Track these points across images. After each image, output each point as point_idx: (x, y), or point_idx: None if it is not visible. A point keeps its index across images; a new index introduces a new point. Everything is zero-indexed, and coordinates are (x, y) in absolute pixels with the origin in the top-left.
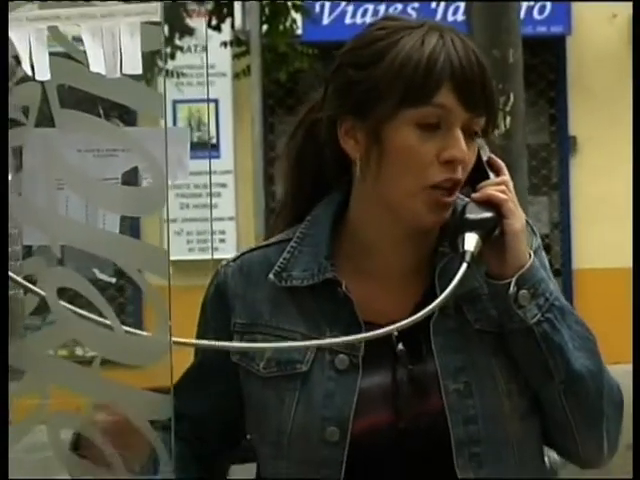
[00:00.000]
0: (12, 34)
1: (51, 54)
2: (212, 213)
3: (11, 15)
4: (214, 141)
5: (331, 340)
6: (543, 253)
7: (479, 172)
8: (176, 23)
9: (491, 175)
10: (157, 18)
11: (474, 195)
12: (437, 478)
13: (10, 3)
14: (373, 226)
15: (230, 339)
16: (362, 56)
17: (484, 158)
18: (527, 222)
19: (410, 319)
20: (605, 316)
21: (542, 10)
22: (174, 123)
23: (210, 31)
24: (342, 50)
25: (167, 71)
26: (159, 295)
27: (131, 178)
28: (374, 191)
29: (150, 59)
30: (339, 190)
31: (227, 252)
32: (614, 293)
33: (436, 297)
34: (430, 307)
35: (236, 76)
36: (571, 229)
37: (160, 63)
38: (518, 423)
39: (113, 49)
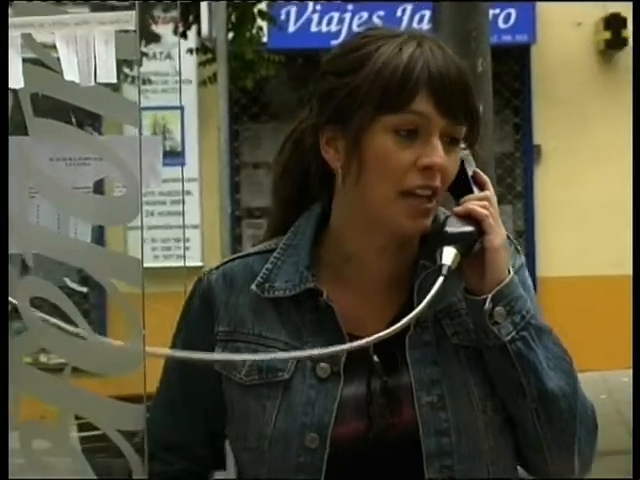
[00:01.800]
0: None
1: (25, 62)
2: (184, 220)
3: None
4: (179, 149)
5: (311, 351)
6: (526, 272)
7: (463, 186)
8: (142, 30)
9: (475, 190)
10: (132, 26)
11: (455, 209)
12: None
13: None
14: (353, 235)
15: (212, 346)
16: (343, 64)
17: (469, 172)
18: (511, 240)
19: (385, 332)
20: (570, 324)
21: (507, 19)
22: (139, 130)
23: (175, 38)
24: (325, 58)
25: (133, 78)
26: (131, 304)
27: (97, 187)
28: (354, 199)
29: (117, 66)
30: (321, 202)
31: (192, 260)
32: (579, 300)
33: (413, 310)
34: (404, 320)
35: (202, 83)
36: (535, 237)
37: (127, 70)
38: (492, 438)
39: (87, 57)
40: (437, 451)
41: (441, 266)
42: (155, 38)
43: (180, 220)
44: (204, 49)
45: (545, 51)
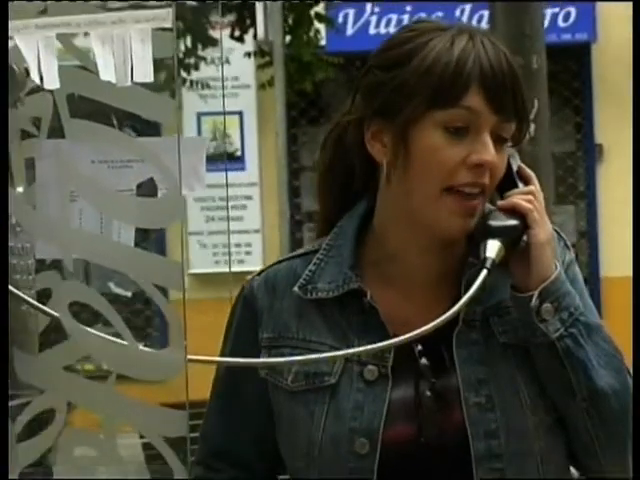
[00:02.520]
0: (20, 42)
1: (60, 63)
2: (229, 225)
3: (19, 23)
4: (239, 153)
5: (355, 350)
6: (577, 268)
7: (508, 181)
8: (199, 34)
9: (520, 185)
10: (168, 24)
11: (500, 202)
12: None
13: (12, 3)
14: (398, 233)
15: (259, 354)
16: (390, 58)
17: (514, 167)
18: (560, 236)
19: (429, 325)
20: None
21: (567, 17)
22: (198, 135)
23: (233, 42)
24: (372, 53)
25: (191, 82)
26: (175, 310)
27: (149, 189)
28: (398, 196)
29: (173, 69)
30: (364, 199)
31: (253, 265)
32: None
33: (462, 308)
34: (447, 314)
35: (261, 87)
36: (599, 237)
37: (184, 74)
38: (543, 438)
39: (124, 57)
40: (486, 453)
41: (485, 259)
42: (212, 42)
43: (241, 225)
44: (261, 52)
45: (605, 49)
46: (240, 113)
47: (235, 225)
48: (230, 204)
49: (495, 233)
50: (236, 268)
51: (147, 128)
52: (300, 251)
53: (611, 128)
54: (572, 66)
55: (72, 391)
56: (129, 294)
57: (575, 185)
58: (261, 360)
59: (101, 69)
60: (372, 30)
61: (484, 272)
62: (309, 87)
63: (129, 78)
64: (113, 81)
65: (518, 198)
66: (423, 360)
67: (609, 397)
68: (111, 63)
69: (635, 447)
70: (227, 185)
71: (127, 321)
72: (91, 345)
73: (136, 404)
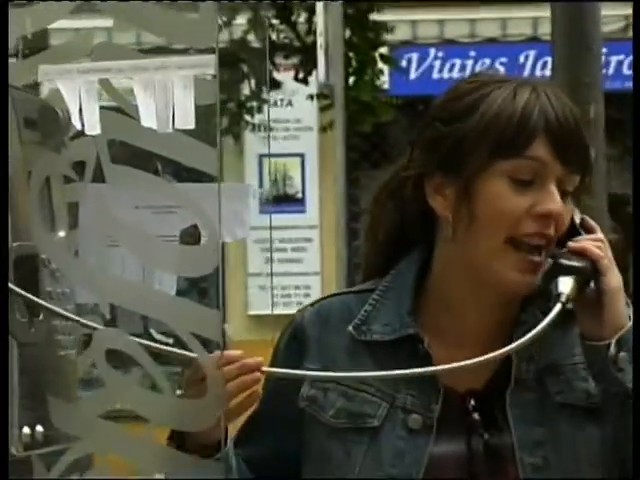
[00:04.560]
0: (62, 86)
1: (102, 107)
2: (272, 267)
3: (61, 67)
4: (300, 195)
5: (395, 372)
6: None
7: (572, 233)
8: (262, 76)
9: (584, 235)
10: (211, 71)
11: (570, 244)
12: None
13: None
14: (456, 287)
15: (298, 385)
16: (451, 110)
17: (576, 220)
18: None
19: (469, 362)
20: None
21: (632, 64)
22: (260, 177)
23: (297, 85)
24: (431, 105)
25: (254, 125)
26: (213, 359)
27: (192, 236)
28: (461, 250)
29: (238, 113)
30: (422, 248)
31: None
32: None
33: (514, 366)
34: (511, 346)
35: (322, 130)
36: None
37: (248, 117)
38: None
39: (165, 103)
40: None
41: (559, 294)
42: (276, 84)
43: (301, 267)
44: (323, 95)
45: None
46: (302, 155)
47: (294, 267)
48: (290, 246)
49: (568, 271)
50: (294, 310)
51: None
52: (355, 288)
53: None
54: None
55: (109, 441)
56: (170, 341)
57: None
58: (334, 374)
59: (142, 115)
60: (435, 74)
61: (558, 306)
62: (368, 129)
63: (170, 124)
64: (154, 127)
65: (588, 243)
66: (475, 415)
67: None
68: (153, 109)
69: (635, 447)
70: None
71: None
72: (126, 394)
73: (172, 454)
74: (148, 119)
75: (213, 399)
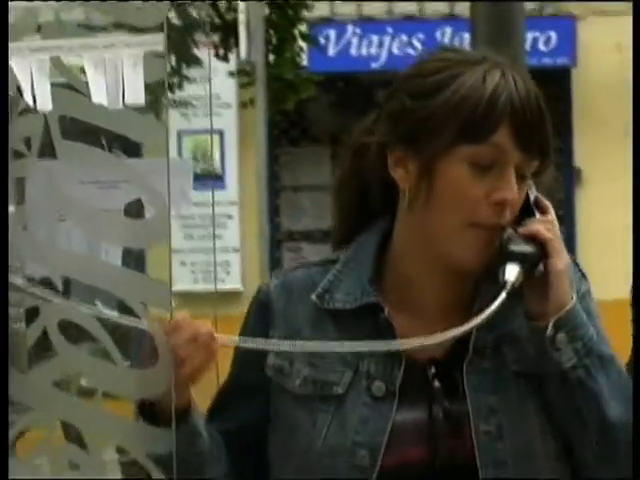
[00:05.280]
0: (14, 64)
1: (53, 85)
2: (215, 243)
3: (13, 45)
4: (220, 172)
5: (362, 343)
6: (592, 299)
7: (526, 210)
8: (183, 53)
9: (537, 214)
10: (160, 48)
11: (521, 229)
12: None
13: (11, 3)
14: (414, 259)
15: (266, 355)
16: (420, 85)
17: (531, 197)
18: (577, 266)
19: (436, 336)
20: (616, 344)
21: (547, 42)
22: (179, 154)
23: (216, 62)
24: (399, 77)
25: (174, 101)
26: (161, 329)
27: (135, 210)
28: (419, 224)
29: (160, 90)
30: (385, 218)
31: (232, 283)
32: (624, 324)
33: (473, 335)
34: (461, 329)
35: (243, 106)
36: (578, 262)
37: (168, 94)
38: (550, 467)
39: (115, 80)
40: None
41: (504, 282)
42: (196, 61)
43: (220, 243)
44: (244, 72)
45: (586, 73)
46: (221, 132)
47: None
48: (209, 223)
49: (515, 258)
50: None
51: (129, 149)
52: (318, 260)
53: (591, 153)
54: (552, 90)
55: (59, 408)
56: (116, 314)
57: (554, 209)
58: (289, 342)
59: (93, 92)
60: (354, 51)
61: (503, 294)
62: (292, 106)
63: (120, 101)
64: (105, 104)
65: (539, 226)
66: (436, 383)
67: (618, 429)
68: (103, 86)
69: (635, 446)
70: (213, 205)
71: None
72: (79, 363)
73: (123, 421)
74: (99, 96)
75: (162, 367)
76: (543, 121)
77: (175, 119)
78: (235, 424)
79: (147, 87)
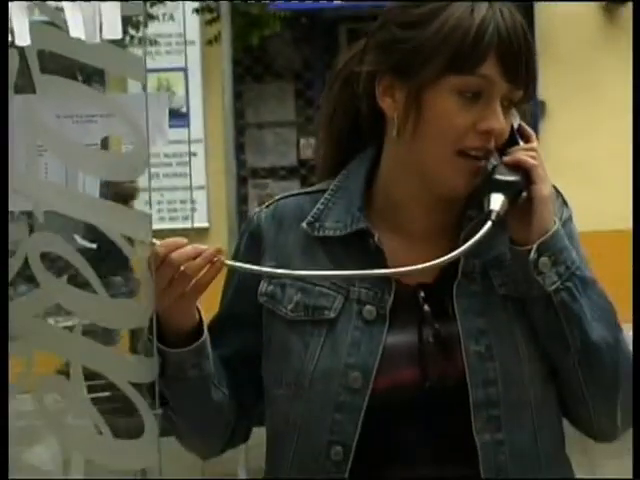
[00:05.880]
0: None
1: (31, 20)
2: (191, 182)
3: None
4: (184, 110)
5: (356, 272)
6: (573, 225)
7: (509, 139)
8: None
9: (520, 142)
10: None
11: (505, 158)
12: (455, 439)
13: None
14: (402, 186)
15: (258, 283)
16: (409, 15)
17: (515, 125)
18: (559, 193)
19: (426, 264)
20: None
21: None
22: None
23: None
24: (388, 7)
25: (139, 39)
26: (142, 261)
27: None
28: (406, 152)
29: (122, 27)
30: (373, 147)
31: (199, 221)
32: (595, 256)
33: (461, 260)
34: (448, 256)
35: (208, 43)
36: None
37: (133, 32)
38: (538, 388)
39: (93, 14)
40: (484, 401)
41: (490, 212)
42: None
43: (186, 181)
44: (208, 9)
45: (548, 6)
46: (185, 70)
47: (180, 182)
48: (175, 160)
49: (499, 187)
50: (181, 225)
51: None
52: (308, 189)
53: (554, 85)
54: None
55: (42, 338)
56: (94, 246)
57: None
58: (284, 271)
59: (71, 26)
60: None
61: (489, 224)
62: (255, 41)
63: (98, 35)
64: (82, 38)
65: (522, 154)
66: (426, 307)
67: (602, 350)
68: (80, 20)
69: (635, 447)
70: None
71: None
72: (61, 294)
73: (104, 351)
74: (76, 30)
75: (144, 296)
76: (529, 52)
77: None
78: (229, 351)
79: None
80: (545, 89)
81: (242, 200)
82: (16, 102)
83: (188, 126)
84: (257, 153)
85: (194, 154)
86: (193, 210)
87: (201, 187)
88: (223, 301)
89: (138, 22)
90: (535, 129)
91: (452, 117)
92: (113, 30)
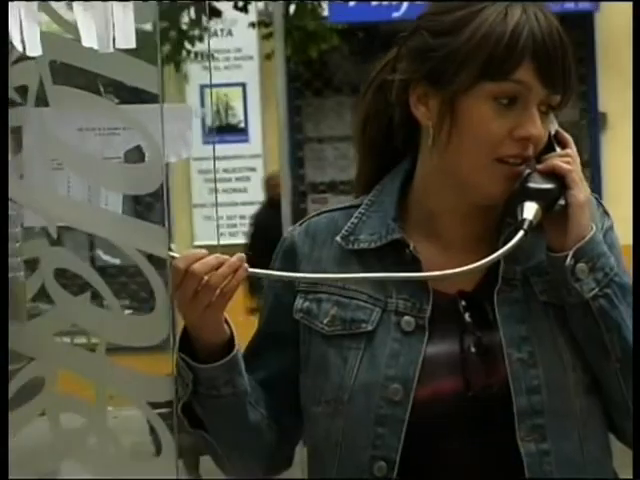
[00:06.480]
0: None
1: (42, 30)
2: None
3: None
4: (242, 125)
5: (389, 274)
6: (615, 235)
7: (546, 145)
8: (202, 5)
9: (557, 149)
10: None
11: (539, 166)
12: (500, 449)
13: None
14: (438, 196)
15: (294, 301)
16: (442, 22)
17: (552, 131)
18: (599, 202)
19: (462, 268)
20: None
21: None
22: (202, 108)
23: (236, 14)
24: (420, 14)
25: (195, 54)
26: (159, 276)
27: (135, 157)
28: (442, 161)
29: (178, 42)
30: (408, 157)
31: None
32: None
33: (501, 267)
34: (482, 262)
35: (267, 57)
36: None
37: (189, 46)
38: (583, 397)
39: (105, 23)
40: (528, 409)
41: (522, 220)
42: (216, 13)
43: (245, 196)
44: (264, 23)
45: (609, 18)
46: (243, 85)
47: (239, 197)
48: (234, 176)
49: (533, 195)
50: (241, 240)
51: (149, 98)
52: (341, 205)
53: (615, 97)
54: (576, 35)
55: (62, 358)
56: (117, 261)
57: (579, 154)
58: (321, 276)
59: (83, 35)
60: (374, 1)
61: (520, 233)
62: (314, 55)
63: (111, 44)
64: (95, 47)
65: (557, 160)
66: (467, 315)
67: None
68: (93, 29)
69: (635, 447)
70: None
71: (120, 289)
72: (76, 312)
73: (123, 370)
74: (89, 39)
75: (158, 313)
76: (566, 56)
77: (197, 73)
78: (268, 372)
79: (166, 39)
80: (606, 101)
81: (301, 215)
82: (33, 115)
83: (214, 143)
84: (317, 167)
85: (253, 169)
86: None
87: (260, 202)
88: (260, 322)
89: (192, 37)
90: (596, 141)
91: (488, 124)
92: (126, 39)
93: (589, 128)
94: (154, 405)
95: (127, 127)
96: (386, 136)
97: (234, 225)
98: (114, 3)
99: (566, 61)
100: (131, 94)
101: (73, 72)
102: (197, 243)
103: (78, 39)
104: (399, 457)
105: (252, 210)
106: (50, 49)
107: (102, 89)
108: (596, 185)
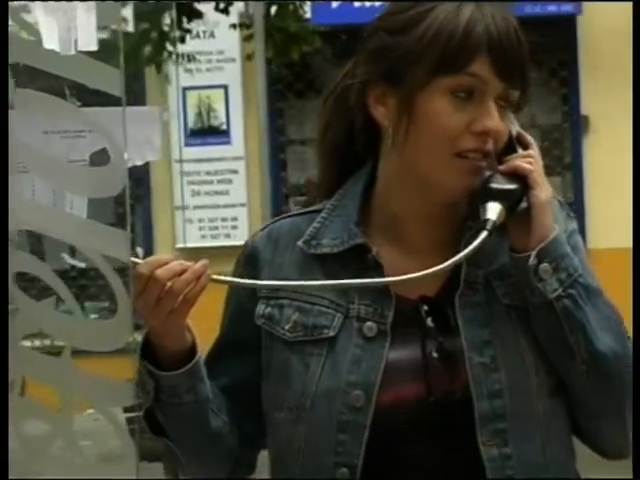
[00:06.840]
0: None
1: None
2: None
3: None
4: (224, 127)
5: (349, 281)
6: (579, 237)
7: (508, 147)
8: (184, 7)
9: (519, 150)
10: None
11: (500, 167)
12: (462, 454)
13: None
14: (400, 198)
15: (255, 307)
16: (396, 21)
17: (513, 133)
18: (562, 205)
19: (422, 272)
20: (622, 294)
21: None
22: (184, 110)
23: (218, 15)
24: (379, 15)
25: (177, 55)
26: (121, 280)
27: (101, 160)
28: (402, 160)
29: (160, 43)
30: (370, 161)
31: (239, 239)
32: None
33: (463, 271)
34: (444, 265)
35: (248, 58)
36: (585, 209)
37: (170, 48)
38: (546, 400)
39: (68, 25)
40: (490, 413)
41: (485, 221)
42: (197, 15)
43: (227, 199)
44: (245, 25)
45: (591, 21)
46: (225, 87)
47: (221, 199)
48: (216, 178)
49: (495, 195)
50: (222, 242)
51: (134, 101)
52: (304, 210)
53: (597, 100)
54: (558, 38)
55: (27, 364)
56: (83, 265)
57: (562, 157)
58: (283, 283)
59: (45, 38)
60: (357, 3)
61: (484, 233)
62: (296, 57)
63: (73, 47)
64: (57, 50)
65: (519, 161)
66: (429, 320)
67: (609, 360)
68: (55, 32)
69: (635, 447)
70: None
71: (83, 291)
72: (39, 317)
73: (86, 376)
74: (50, 42)
75: (121, 317)
76: (522, 53)
77: (179, 75)
78: (229, 379)
79: (147, 40)
80: (589, 104)
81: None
82: None
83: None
84: (299, 170)
85: (235, 171)
86: (234, 227)
87: (242, 204)
88: (222, 328)
89: (174, 38)
90: (579, 144)
91: (445, 118)
92: (89, 42)
93: (571, 131)
94: (126, 408)
95: (90, 130)
96: (347, 141)
97: (216, 227)
98: (77, 4)
99: (523, 58)
100: (109, 97)
101: (36, 75)
102: (179, 246)
103: (40, 41)
104: (361, 463)
105: (234, 213)
106: (12, 51)
107: (67, 92)
108: (579, 188)
